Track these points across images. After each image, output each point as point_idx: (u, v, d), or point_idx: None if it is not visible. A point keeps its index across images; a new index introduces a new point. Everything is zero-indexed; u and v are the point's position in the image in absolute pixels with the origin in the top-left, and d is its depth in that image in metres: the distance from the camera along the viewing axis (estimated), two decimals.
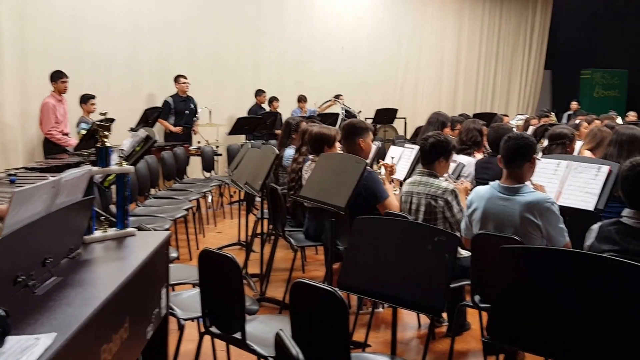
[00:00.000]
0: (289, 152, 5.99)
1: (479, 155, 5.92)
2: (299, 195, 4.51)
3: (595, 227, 3.26)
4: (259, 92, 11.02)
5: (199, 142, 9.56)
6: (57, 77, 7.71)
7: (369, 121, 11.55)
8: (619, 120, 11.03)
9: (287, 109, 11.52)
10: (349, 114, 11.07)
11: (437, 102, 14.59)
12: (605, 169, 4.24)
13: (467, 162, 5.78)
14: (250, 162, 5.71)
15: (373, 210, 4.46)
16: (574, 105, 14.59)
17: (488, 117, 11.13)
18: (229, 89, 10.93)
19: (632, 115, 12.53)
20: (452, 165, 5.13)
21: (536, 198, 3.49)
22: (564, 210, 4.55)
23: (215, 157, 9.19)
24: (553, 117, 11.28)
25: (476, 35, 15.44)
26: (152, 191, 7.38)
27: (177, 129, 9.40)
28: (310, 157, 5.16)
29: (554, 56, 17.28)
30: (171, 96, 9.52)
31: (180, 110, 9.50)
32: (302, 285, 2.50)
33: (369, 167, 4.62)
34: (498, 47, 15.86)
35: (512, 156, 3.61)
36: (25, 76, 8.16)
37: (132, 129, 7.94)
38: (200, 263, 3.07)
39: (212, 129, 9.86)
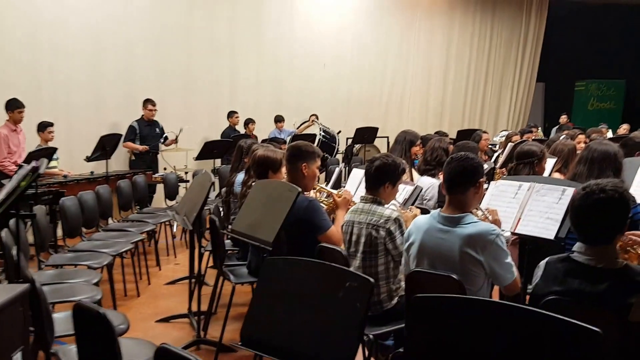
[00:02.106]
0: (241, 176, 5.55)
1: None
2: (230, 230, 4.08)
3: (543, 263, 2.80)
4: (231, 114, 10.56)
5: (165, 169, 9.12)
6: (13, 106, 7.31)
7: (349, 141, 11.25)
8: (610, 134, 10.59)
9: (265, 131, 11.10)
10: (327, 134, 10.66)
11: (424, 119, 14.14)
12: (570, 191, 3.74)
13: (431, 183, 5.36)
14: (192, 191, 5.27)
15: (316, 243, 4.01)
16: (564, 118, 14.16)
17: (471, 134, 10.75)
18: (202, 111, 10.50)
19: (623, 128, 12.08)
20: (409, 189, 4.68)
21: (478, 230, 3.00)
22: (524, 239, 4.12)
23: (183, 184, 8.76)
24: (539, 133, 10.82)
25: (466, 49, 14.92)
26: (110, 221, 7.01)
27: (144, 148, 8.96)
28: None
29: (548, 68, 16.80)
30: (136, 120, 9.09)
31: (145, 135, 9.07)
32: (166, 353, 2.05)
33: (309, 195, 4.18)
34: (489, 60, 15.33)
35: (454, 180, 3.14)
36: None
37: (87, 158, 7.55)
38: None
39: (180, 154, 9.42)
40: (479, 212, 3.47)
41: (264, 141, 7.52)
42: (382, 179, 3.70)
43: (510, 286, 3.06)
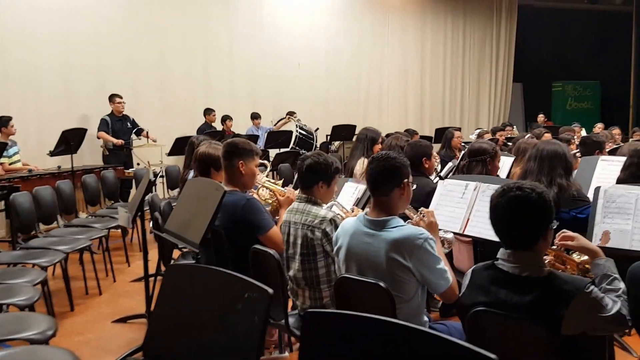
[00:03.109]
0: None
1: None
2: (163, 230, 3.75)
3: (469, 270, 2.50)
4: (208, 111, 10.26)
5: (137, 164, 8.79)
6: None
7: (324, 138, 10.95)
8: (583, 133, 10.30)
9: (243, 128, 10.78)
10: (303, 130, 10.34)
11: (404, 117, 13.83)
12: None
13: None
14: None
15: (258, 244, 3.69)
16: (541, 117, 13.86)
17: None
18: (178, 108, 10.16)
19: (598, 127, 11.77)
20: (362, 188, 4.35)
21: (404, 234, 2.68)
22: (476, 240, 3.82)
23: (158, 180, 8.42)
24: (515, 131, 10.49)
25: (440, 48, 14.63)
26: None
27: (118, 141, 8.65)
28: None
29: (524, 69, 16.59)
30: (107, 115, 8.78)
31: (117, 130, 8.76)
32: None
33: (247, 194, 3.85)
34: (464, 60, 15.06)
35: (376, 182, 2.83)
36: None
37: (50, 153, 7.21)
38: None
39: (156, 150, 9.08)
40: (413, 214, 3.15)
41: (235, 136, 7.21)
42: (314, 179, 3.39)
43: (446, 293, 2.73)
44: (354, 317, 1.86)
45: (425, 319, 2.85)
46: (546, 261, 2.69)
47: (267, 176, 5.03)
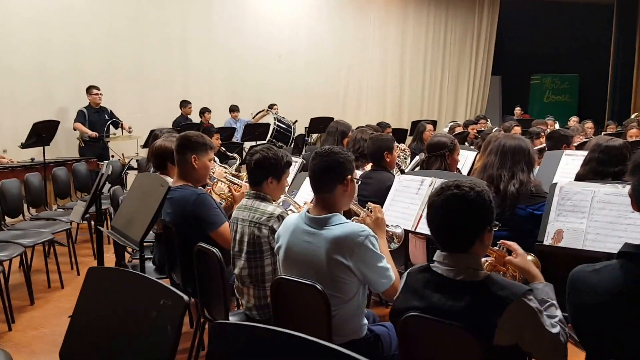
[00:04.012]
0: None
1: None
2: (111, 227, 3.56)
3: (405, 273, 2.32)
4: (184, 103, 10.04)
5: (112, 157, 8.56)
6: None
7: (303, 130, 10.73)
8: (557, 126, 10.12)
9: (221, 121, 10.56)
10: (281, 123, 10.13)
11: (382, 110, 13.63)
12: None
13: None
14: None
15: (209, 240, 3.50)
16: (517, 111, 13.70)
17: (433, 124, 10.26)
18: (155, 100, 9.94)
19: (573, 120, 11.61)
20: None
21: (345, 231, 2.50)
22: (428, 238, 3.65)
23: (130, 172, 8.20)
24: (488, 125, 10.29)
25: (421, 42, 14.42)
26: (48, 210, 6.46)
27: (93, 134, 8.43)
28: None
29: (503, 62, 16.39)
30: (85, 107, 8.56)
31: (94, 121, 8.53)
32: None
33: (199, 189, 3.66)
34: (444, 53, 14.86)
35: (318, 178, 2.64)
36: None
37: (22, 145, 6.98)
38: None
39: (132, 142, 8.84)
40: (360, 210, 2.97)
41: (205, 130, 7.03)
42: (263, 174, 3.18)
43: (388, 292, 2.56)
44: (263, 330, 1.68)
45: (365, 321, 2.67)
46: (487, 263, 2.51)
47: (240, 170, 4.85)
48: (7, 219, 5.76)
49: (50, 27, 8.61)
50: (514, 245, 2.48)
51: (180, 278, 3.68)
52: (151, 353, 1.91)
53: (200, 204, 3.50)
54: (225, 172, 4.19)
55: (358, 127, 6.61)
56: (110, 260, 6.05)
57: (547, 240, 3.14)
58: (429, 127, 7.90)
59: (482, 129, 9.20)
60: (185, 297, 1.91)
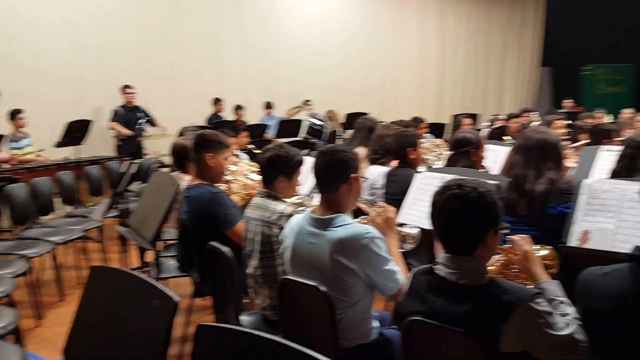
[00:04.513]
0: None
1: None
2: (128, 225, 3.62)
3: (411, 275, 2.29)
4: (217, 101, 10.17)
5: (145, 155, 8.71)
6: None
7: (339, 126, 10.71)
8: (607, 119, 9.81)
9: (256, 117, 10.63)
10: (316, 119, 10.11)
11: (422, 104, 13.49)
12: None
13: (379, 172, 4.81)
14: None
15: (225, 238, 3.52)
16: (567, 103, 13.31)
17: (473, 118, 10.13)
18: (189, 98, 10.03)
19: (626, 113, 11.21)
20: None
21: (349, 233, 2.47)
22: None
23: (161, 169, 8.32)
24: (534, 117, 10.00)
25: (461, 33, 14.22)
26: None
27: (128, 132, 8.61)
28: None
29: (553, 52, 15.95)
30: (119, 106, 8.76)
31: (129, 120, 8.71)
32: None
33: (215, 187, 3.68)
34: (487, 44, 14.60)
35: (322, 177, 2.62)
36: None
37: (57, 144, 7.16)
38: None
39: (167, 140, 8.95)
40: (370, 210, 2.93)
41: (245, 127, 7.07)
42: (274, 172, 3.19)
43: (396, 296, 2.50)
44: (247, 334, 1.68)
45: (374, 324, 2.64)
46: (499, 263, 2.45)
47: None
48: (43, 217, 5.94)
49: (83, 29, 8.81)
50: (517, 241, 2.40)
51: (198, 276, 3.73)
52: (143, 354, 1.93)
53: (216, 203, 3.54)
54: (248, 170, 4.22)
55: (414, 119, 6.57)
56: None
57: (573, 242, 3.03)
58: (467, 121, 7.78)
59: (526, 122, 8.98)
60: (176, 298, 1.92)
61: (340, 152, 2.61)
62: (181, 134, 5.37)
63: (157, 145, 8.68)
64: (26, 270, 4.35)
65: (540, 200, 3.39)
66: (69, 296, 5.27)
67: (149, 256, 4.69)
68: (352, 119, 10.46)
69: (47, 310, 4.89)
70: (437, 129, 9.07)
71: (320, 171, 2.62)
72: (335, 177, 2.58)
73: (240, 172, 4.21)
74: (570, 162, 4.90)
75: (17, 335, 3.29)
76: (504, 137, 7.44)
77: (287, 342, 1.54)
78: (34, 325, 4.60)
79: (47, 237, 5.13)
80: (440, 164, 5.46)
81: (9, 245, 4.96)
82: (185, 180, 3.91)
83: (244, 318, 3.20)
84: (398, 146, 4.46)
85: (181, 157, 4.11)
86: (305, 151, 5.98)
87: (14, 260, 4.48)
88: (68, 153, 7.66)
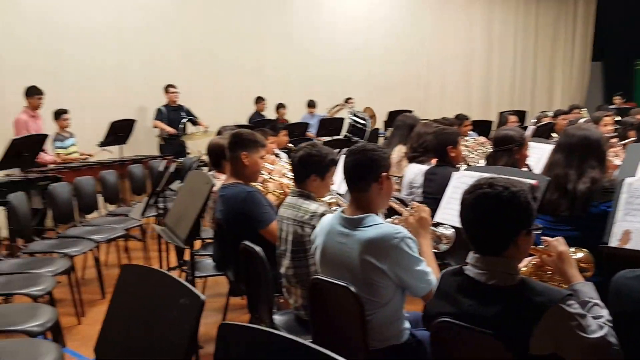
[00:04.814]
0: None
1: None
2: (164, 224, 3.67)
3: (440, 275, 2.26)
4: (259, 100, 10.23)
5: (188, 154, 8.83)
6: (33, 93, 7.14)
7: (382, 124, 10.66)
8: None
9: (297, 116, 10.67)
10: (357, 117, 10.08)
11: (468, 102, 13.32)
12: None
13: (418, 171, 4.78)
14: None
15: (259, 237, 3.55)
16: (617, 99, 12.95)
17: (520, 115, 9.97)
18: (230, 97, 10.10)
19: None
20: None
21: (379, 233, 2.45)
22: None
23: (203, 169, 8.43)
24: (584, 113, 9.76)
25: (510, 28, 13.98)
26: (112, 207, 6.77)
27: (171, 130, 8.76)
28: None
29: (605, 47, 15.53)
30: (163, 106, 8.89)
31: (173, 119, 8.84)
32: None
33: (250, 186, 3.71)
34: (536, 38, 14.32)
35: (351, 177, 2.61)
36: (1, 94, 7.58)
37: (100, 144, 7.31)
38: None
39: (208, 139, 9.05)
40: (403, 209, 2.91)
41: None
42: (306, 172, 3.20)
43: (428, 298, 2.48)
44: (269, 333, 1.69)
45: (406, 324, 2.62)
46: (532, 263, 2.40)
47: None
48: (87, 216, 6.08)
49: (128, 29, 8.93)
50: (552, 242, 2.36)
51: (233, 275, 3.76)
52: (170, 351, 1.96)
53: (250, 202, 3.56)
54: (284, 169, 4.24)
55: (457, 116, 6.50)
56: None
57: (614, 242, 2.95)
58: (512, 118, 7.66)
59: (574, 119, 8.77)
60: (202, 297, 1.95)
61: (370, 150, 2.59)
62: (220, 133, 5.43)
63: (200, 145, 8.78)
64: (68, 268, 4.45)
65: (583, 200, 3.30)
66: (109, 294, 5.32)
67: (187, 255, 4.75)
68: (395, 117, 10.42)
69: (88, 308, 5.00)
70: (483, 127, 8.93)
71: (349, 170, 2.61)
72: (366, 176, 2.57)
73: (278, 172, 4.24)
74: (618, 160, 4.78)
75: (55, 332, 3.37)
76: (552, 135, 7.28)
77: (304, 342, 1.54)
78: (75, 323, 4.71)
79: (89, 235, 5.22)
80: (482, 162, 5.39)
81: (52, 244, 5.09)
82: (221, 179, 3.96)
83: (277, 317, 3.22)
84: (437, 144, 4.43)
85: (217, 156, 4.16)
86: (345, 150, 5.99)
87: (56, 258, 4.59)
88: (112, 152, 7.81)
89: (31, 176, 6.02)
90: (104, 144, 7.29)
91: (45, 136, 6.17)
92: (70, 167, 6.96)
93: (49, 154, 7.27)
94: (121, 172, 7.09)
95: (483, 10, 13.70)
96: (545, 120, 8.08)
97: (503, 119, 7.64)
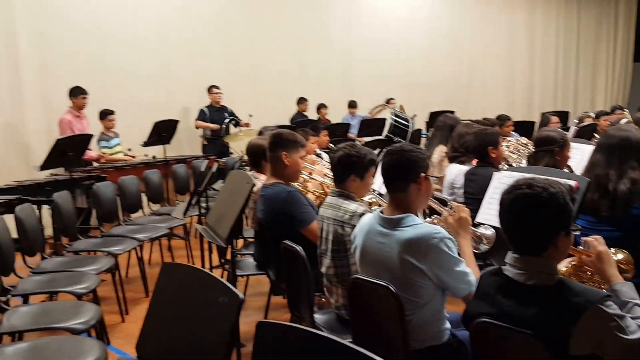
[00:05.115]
0: None
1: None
2: (205, 223, 3.71)
3: (480, 276, 2.24)
4: (301, 100, 10.26)
5: (231, 154, 8.91)
6: (77, 93, 7.28)
7: (423, 125, 10.58)
8: None
9: (338, 117, 10.67)
10: (398, 117, 10.03)
11: (510, 102, 13.17)
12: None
13: (459, 171, 4.75)
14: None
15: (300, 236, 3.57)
16: None
17: (562, 116, 9.80)
18: (271, 97, 10.14)
19: None
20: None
21: (418, 233, 2.44)
22: None
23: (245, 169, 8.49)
24: (626, 114, 9.54)
25: (551, 28, 13.77)
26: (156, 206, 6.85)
27: (214, 126, 8.87)
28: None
29: None
30: (206, 106, 9.00)
31: (216, 120, 8.94)
32: None
33: (290, 186, 3.73)
34: (578, 39, 14.09)
35: (391, 177, 2.60)
36: (48, 93, 7.74)
37: (144, 144, 7.42)
38: None
39: (249, 139, 9.12)
40: (442, 209, 2.89)
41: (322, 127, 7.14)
42: (346, 172, 3.19)
43: (468, 298, 2.46)
44: (306, 332, 1.69)
45: (447, 325, 2.60)
46: (571, 263, 2.36)
47: None
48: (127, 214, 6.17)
49: (171, 30, 9.04)
50: (592, 242, 2.32)
51: (274, 275, 3.79)
52: (209, 349, 1.99)
53: (291, 201, 3.58)
54: (325, 169, 4.25)
55: (485, 119, 6.44)
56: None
57: None
58: (554, 119, 7.52)
59: (617, 120, 8.59)
60: (241, 295, 1.97)
61: (408, 151, 2.59)
62: (261, 133, 5.46)
63: (243, 145, 8.84)
64: (111, 266, 4.53)
65: (623, 201, 3.24)
66: (152, 292, 5.43)
67: (229, 254, 4.80)
68: (436, 118, 10.33)
69: (131, 306, 5.05)
70: (525, 128, 8.81)
71: (388, 171, 2.60)
72: (404, 177, 2.56)
73: (319, 172, 4.25)
74: None
75: (99, 330, 3.43)
76: (595, 136, 7.14)
77: (342, 341, 1.54)
78: (118, 321, 4.77)
79: (132, 234, 5.28)
80: (524, 163, 5.32)
81: (96, 243, 5.18)
82: (260, 179, 3.98)
83: (318, 316, 3.23)
84: (478, 144, 4.39)
85: (256, 156, 4.19)
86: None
87: (100, 257, 4.67)
88: (156, 152, 7.92)
89: (76, 175, 6.11)
90: (147, 143, 7.38)
91: (90, 136, 6.26)
92: (114, 167, 7.08)
93: (93, 152, 7.41)
94: (165, 172, 7.18)
95: (525, 10, 13.52)
96: (588, 121, 7.92)
97: (545, 119, 7.51)
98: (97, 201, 5.67)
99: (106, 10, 8.38)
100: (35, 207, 4.90)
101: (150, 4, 8.86)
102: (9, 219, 4.19)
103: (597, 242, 2.32)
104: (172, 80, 9.05)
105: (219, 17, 9.62)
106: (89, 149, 6.93)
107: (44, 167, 5.70)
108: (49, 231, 5.49)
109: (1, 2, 7.40)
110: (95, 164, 7.26)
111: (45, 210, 5.37)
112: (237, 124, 9.09)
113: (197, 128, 9.07)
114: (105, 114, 7.58)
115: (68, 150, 5.69)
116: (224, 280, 2.08)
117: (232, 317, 1.93)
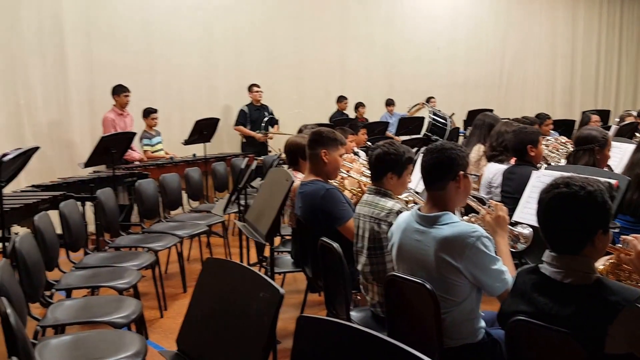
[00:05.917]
0: None
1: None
2: (245, 220, 3.76)
3: (516, 274, 2.24)
4: (340, 99, 10.27)
5: (269, 152, 8.97)
6: (119, 91, 7.40)
7: (461, 123, 10.51)
8: None
9: (377, 115, 10.67)
10: (437, 116, 9.97)
11: (550, 100, 12.98)
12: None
13: (497, 170, 4.71)
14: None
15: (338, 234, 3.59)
16: None
17: (603, 115, 9.62)
18: (312, 96, 10.20)
19: None
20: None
21: (455, 232, 2.44)
22: None
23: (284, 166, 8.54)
24: None
25: (594, 26, 13.52)
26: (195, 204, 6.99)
27: (257, 135, 8.91)
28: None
29: None
30: (246, 105, 9.05)
31: (255, 119, 9.01)
32: None
33: (328, 184, 3.75)
34: (620, 37, 13.81)
35: (430, 175, 2.60)
36: (93, 91, 7.88)
37: (185, 142, 7.52)
38: None
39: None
40: (480, 208, 2.88)
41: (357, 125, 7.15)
42: (383, 169, 3.20)
43: (504, 297, 2.45)
44: (345, 326, 1.72)
45: (482, 323, 2.59)
46: (610, 261, 2.34)
47: None
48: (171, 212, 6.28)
49: (215, 31, 9.11)
50: (631, 241, 2.29)
51: (311, 272, 3.82)
52: (248, 343, 2.02)
53: (329, 199, 3.60)
54: (363, 167, 4.26)
55: (524, 117, 6.38)
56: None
57: None
58: (595, 117, 7.38)
59: None
60: (282, 290, 1.99)
61: (448, 149, 2.58)
62: (300, 131, 5.51)
63: (282, 143, 8.90)
64: (152, 262, 4.59)
65: None
66: (191, 289, 5.46)
67: (266, 251, 4.85)
68: (474, 116, 10.24)
69: (170, 301, 5.12)
70: (565, 126, 8.68)
71: (427, 169, 2.60)
72: (443, 175, 2.56)
73: (356, 170, 4.27)
74: None
75: (139, 324, 3.50)
76: (636, 135, 7.01)
77: (381, 335, 1.56)
78: (158, 316, 4.84)
79: (173, 231, 5.35)
80: (563, 162, 5.25)
81: (137, 239, 5.26)
82: (298, 177, 4.02)
83: (354, 314, 3.25)
84: (517, 143, 4.35)
85: (294, 154, 4.23)
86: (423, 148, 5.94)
87: (141, 253, 4.76)
88: (196, 150, 8.01)
89: (118, 173, 6.22)
90: (188, 142, 7.48)
91: (133, 134, 6.38)
92: (156, 164, 7.20)
93: (136, 152, 7.54)
94: (205, 170, 7.27)
95: (566, 8, 13.31)
96: (629, 120, 7.75)
97: (585, 118, 7.38)
98: (139, 198, 5.78)
99: (154, 9, 8.47)
100: (79, 203, 5.02)
101: (193, 4, 8.94)
102: (54, 215, 4.30)
103: (637, 240, 2.29)
104: (214, 80, 9.14)
105: (262, 16, 9.66)
106: (132, 148, 7.07)
107: (88, 163, 5.82)
108: (91, 227, 5.61)
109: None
110: (137, 162, 7.38)
111: (89, 206, 5.48)
112: (273, 124, 9.13)
113: (236, 131, 9.14)
114: (148, 112, 7.70)
115: (112, 147, 5.80)
116: (264, 275, 2.11)
117: (272, 312, 1.96)
